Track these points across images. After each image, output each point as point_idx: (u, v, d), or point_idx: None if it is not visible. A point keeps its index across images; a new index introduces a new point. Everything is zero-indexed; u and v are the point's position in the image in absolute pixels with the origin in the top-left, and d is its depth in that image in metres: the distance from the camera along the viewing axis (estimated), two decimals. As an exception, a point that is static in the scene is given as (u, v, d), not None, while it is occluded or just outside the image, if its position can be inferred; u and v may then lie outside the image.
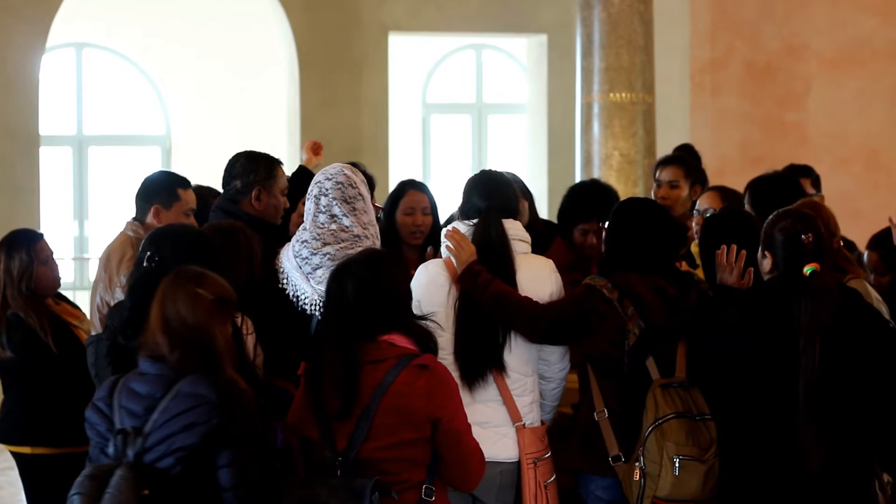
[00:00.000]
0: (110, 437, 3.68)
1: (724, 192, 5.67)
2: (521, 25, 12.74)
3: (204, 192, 5.85)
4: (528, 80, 13.43)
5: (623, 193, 8.99)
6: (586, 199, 5.72)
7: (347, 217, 4.62)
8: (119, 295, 5.01)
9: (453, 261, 4.58)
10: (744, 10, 11.69)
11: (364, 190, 4.70)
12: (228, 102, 13.54)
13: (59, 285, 5.67)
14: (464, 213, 4.73)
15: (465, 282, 4.52)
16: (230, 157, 5.39)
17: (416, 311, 4.48)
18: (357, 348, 3.89)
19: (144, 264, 4.33)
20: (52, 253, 5.62)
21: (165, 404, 3.62)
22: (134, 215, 5.28)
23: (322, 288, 4.49)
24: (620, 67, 9.29)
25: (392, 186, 6.00)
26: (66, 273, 11.55)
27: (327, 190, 4.67)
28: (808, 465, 4.19)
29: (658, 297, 4.49)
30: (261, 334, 4.39)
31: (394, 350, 3.91)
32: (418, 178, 6.09)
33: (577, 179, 9.25)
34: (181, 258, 4.12)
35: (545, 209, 11.18)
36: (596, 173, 9.16)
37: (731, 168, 10.67)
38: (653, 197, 6.26)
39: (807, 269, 4.32)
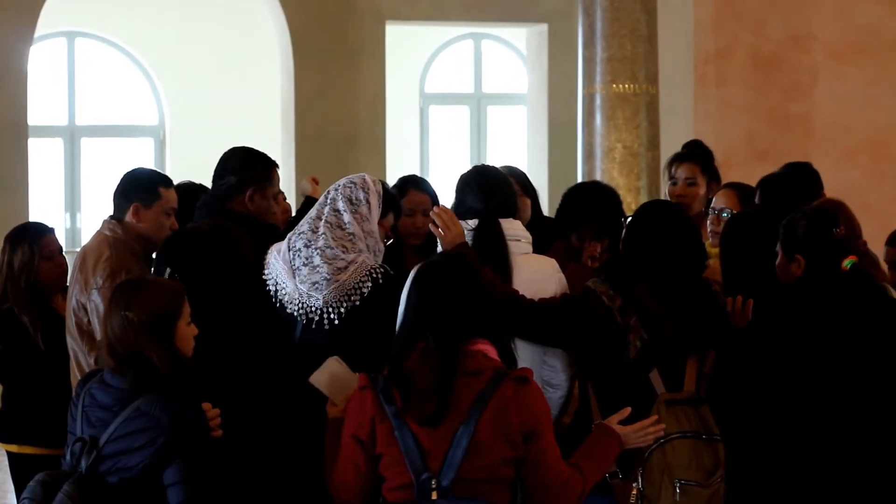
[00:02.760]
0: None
1: (741, 190, 5.45)
2: (522, 14, 12.57)
3: (196, 189, 5.67)
4: (528, 71, 13.26)
5: (626, 186, 8.84)
6: (581, 205, 5.14)
7: (348, 214, 4.47)
8: (95, 297, 4.85)
9: (439, 242, 4.41)
10: (748, 0, 11.52)
11: (374, 200, 4.52)
12: (222, 92, 13.46)
13: (64, 281, 5.56)
14: (458, 213, 4.50)
15: None
16: (226, 150, 5.20)
17: None
18: (455, 355, 3.60)
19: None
20: (59, 248, 5.55)
21: (121, 420, 3.63)
22: (111, 213, 5.07)
23: (304, 288, 4.34)
24: (623, 57, 9.13)
25: (389, 178, 5.80)
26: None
27: (339, 185, 4.57)
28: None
29: (664, 308, 4.21)
30: (244, 338, 4.16)
31: (489, 362, 3.65)
32: (417, 173, 5.90)
33: (579, 172, 9.13)
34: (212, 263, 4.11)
35: (546, 203, 10.98)
36: (598, 166, 8.99)
37: (736, 160, 10.50)
38: (668, 195, 6.00)
39: (846, 263, 4.25)
